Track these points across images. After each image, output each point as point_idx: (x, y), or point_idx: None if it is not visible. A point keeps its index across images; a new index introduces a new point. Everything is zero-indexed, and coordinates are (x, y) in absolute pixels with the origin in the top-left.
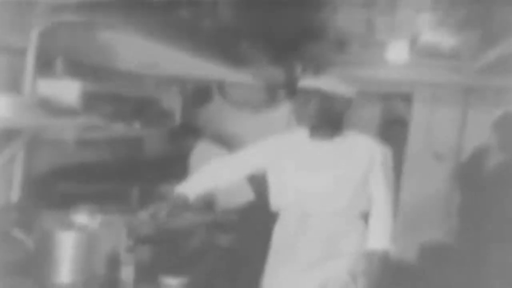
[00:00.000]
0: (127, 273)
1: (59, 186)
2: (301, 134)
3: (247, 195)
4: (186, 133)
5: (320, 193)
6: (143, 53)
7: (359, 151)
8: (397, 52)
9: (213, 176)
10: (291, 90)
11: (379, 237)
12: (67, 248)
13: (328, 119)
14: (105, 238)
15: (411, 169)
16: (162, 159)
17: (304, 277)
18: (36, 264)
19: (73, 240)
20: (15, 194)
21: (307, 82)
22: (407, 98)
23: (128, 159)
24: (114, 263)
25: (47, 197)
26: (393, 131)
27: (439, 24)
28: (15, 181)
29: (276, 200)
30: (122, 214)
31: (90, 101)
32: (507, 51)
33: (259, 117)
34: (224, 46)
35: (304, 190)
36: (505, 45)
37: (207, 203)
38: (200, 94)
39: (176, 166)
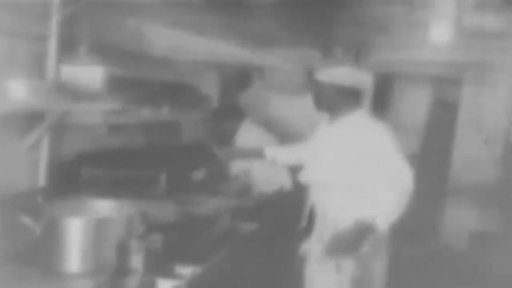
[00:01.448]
0: (137, 261)
1: (85, 171)
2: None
3: (284, 182)
4: (230, 115)
5: (321, 168)
6: (176, 39)
7: (357, 130)
8: (440, 33)
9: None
10: None
11: (369, 209)
12: (75, 235)
13: (338, 106)
14: (116, 225)
15: (460, 153)
16: (198, 145)
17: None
18: (44, 252)
19: (81, 227)
20: (41, 179)
21: (323, 74)
22: (456, 81)
23: (162, 145)
24: (124, 251)
25: (73, 182)
26: (442, 114)
27: (482, 3)
28: (41, 166)
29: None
30: (144, 201)
31: (115, 86)
32: None
33: (300, 101)
34: (258, 30)
35: (311, 166)
36: None
37: (243, 188)
38: (240, 78)
39: (213, 151)
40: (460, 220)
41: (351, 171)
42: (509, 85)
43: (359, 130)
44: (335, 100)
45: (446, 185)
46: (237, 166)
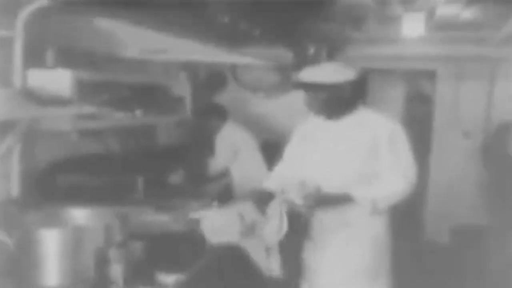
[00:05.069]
0: (117, 271)
1: (60, 179)
2: (318, 118)
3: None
4: (213, 115)
5: (328, 168)
6: (147, 39)
7: (365, 128)
8: (413, 27)
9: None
10: None
11: (368, 191)
12: (51, 247)
13: (336, 105)
14: (94, 234)
15: (438, 147)
16: (175, 148)
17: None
18: (20, 265)
19: (57, 237)
20: (14, 189)
21: (306, 76)
22: (431, 74)
23: (137, 149)
24: (103, 260)
25: (48, 191)
26: (418, 109)
27: None
28: (14, 176)
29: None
30: (122, 207)
31: (84, 90)
32: None
33: (278, 99)
34: (227, 28)
35: (315, 167)
36: None
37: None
38: (213, 78)
39: (191, 153)
40: (442, 214)
41: (364, 164)
42: (486, 77)
43: (370, 125)
44: (335, 101)
45: (426, 180)
46: (215, 167)
